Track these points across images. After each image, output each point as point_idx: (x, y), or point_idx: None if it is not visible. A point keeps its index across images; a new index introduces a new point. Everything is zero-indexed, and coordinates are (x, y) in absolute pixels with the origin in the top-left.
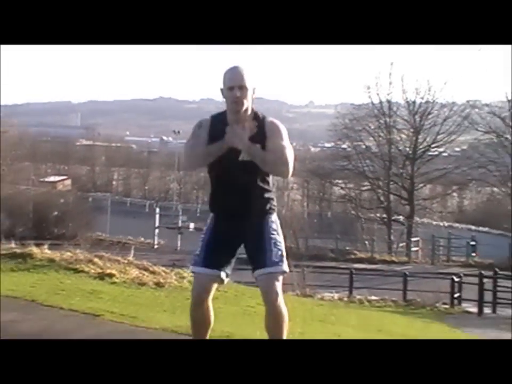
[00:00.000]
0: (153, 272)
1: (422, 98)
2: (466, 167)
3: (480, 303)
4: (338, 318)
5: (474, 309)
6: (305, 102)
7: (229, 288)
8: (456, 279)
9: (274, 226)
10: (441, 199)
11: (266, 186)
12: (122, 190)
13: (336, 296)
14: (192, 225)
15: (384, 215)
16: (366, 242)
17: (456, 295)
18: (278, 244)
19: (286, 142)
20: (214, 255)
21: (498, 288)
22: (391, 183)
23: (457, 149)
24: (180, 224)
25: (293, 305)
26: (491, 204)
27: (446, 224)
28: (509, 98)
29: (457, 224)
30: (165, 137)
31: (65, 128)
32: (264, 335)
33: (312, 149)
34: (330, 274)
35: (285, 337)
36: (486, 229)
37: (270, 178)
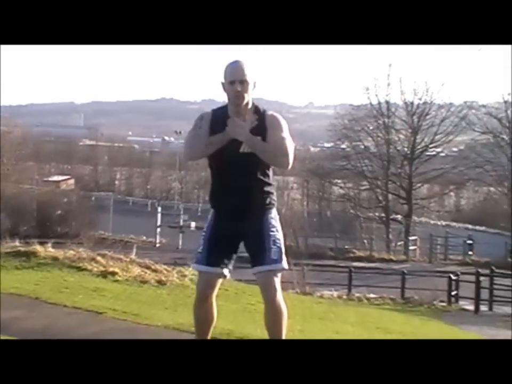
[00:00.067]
0: (155, 270)
1: (420, 99)
2: (464, 167)
3: (477, 301)
4: (338, 316)
5: (471, 307)
6: (305, 102)
7: (229, 286)
8: (453, 277)
9: (274, 223)
10: (439, 198)
11: (266, 180)
12: (124, 189)
13: (335, 294)
14: (193, 224)
15: (383, 214)
16: (365, 241)
17: (453, 293)
18: (278, 241)
19: (286, 133)
20: (216, 253)
21: (495, 286)
22: (390, 182)
23: (455, 149)
24: (181, 223)
25: (293, 303)
26: (488, 203)
27: (444, 223)
28: (506, 99)
29: (454, 223)
30: (166, 138)
31: (68, 128)
32: (264, 332)
33: (312, 149)
34: (330, 273)
35: (284, 333)
36: (482, 228)
37: (271, 173)
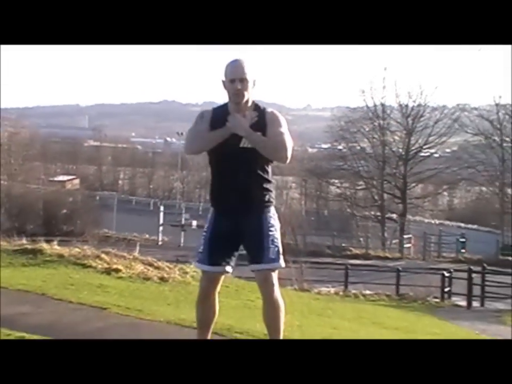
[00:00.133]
0: (157, 268)
1: (414, 101)
2: (456, 167)
3: (469, 297)
4: (335, 311)
5: (463, 303)
6: (303, 105)
7: (230, 283)
8: (446, 274)
9: (272, 221)
10: (433, 197)
11: (266, 176)
12: (128, 188)
13: (332, 290)
14: (194, 222)
15: (378, 213)
16: (361, 239)
17: (446, 290)
18: (276, 240)
19: (284, 129)
20: (217, 252)
21: (486, 283)
22: (385, 182)
23: (448, 150)
24: (183, 222)
25: (291, 299)
26: (480, 202)
27: (437, 221)
28: (497, 102)
29: (447, 222)
30: (169, 139)
31: (73, 129)
32: (263, 327)
33: (310, 150)
34: (327, 270)
35: (282, 327)
36: (475, 226)
37: (270, 170)
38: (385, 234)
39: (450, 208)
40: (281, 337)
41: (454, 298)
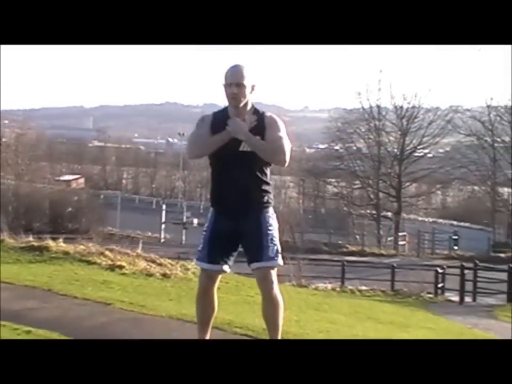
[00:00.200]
0: (160, 264)
1: (409, 103)
2: (449, 167)
3: (462, 292)
4: (331, 306)
5: (456, 298)
6: (301, 107)
7: (230, 279)
8: (439, 271)
9: (270, 221)
10: (426, 196)
11: (264, 178)
12: (131, 188)
13: (329, 286)
14: (195, 220)
15: (374, 212)
16: (357, 236)
17: (439, 285)
18: (274, 239)
19: (283, 133)
20: (216, 251)
21: (478, 279)
22: (380, 181)
23: (441, 151)
24: (184, 220)
25: (290, 294)
26: (472, 201)
27: (431, 219)
28: (488, 104)
29: (440, 220)
30: (171, 139)
31: (78, 130)
32: (262, 322)
33: (308, 150)
34: (324, 266)
35: (280, 323)
36: (467, 224)
37: (268, 172)
38: (381, 232)
39: (444, 207)
40: (279, 333)
41: (447, 294)
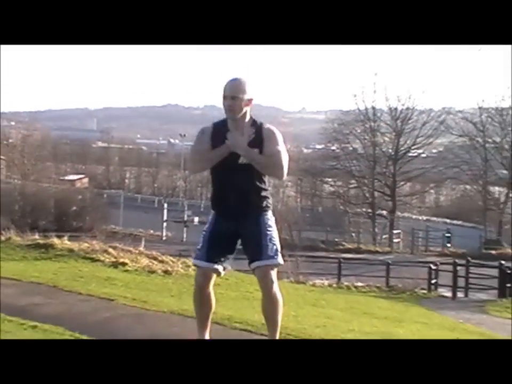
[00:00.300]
0: (161, 261)
1: (403, 105)
2: (442, 166)
3: (454, 288)
4: (328, 302)
5: (448, 294)
6: (299, 108)
7: (230, 276)
8: (433, 267)
9: (270, 223)
10: (420, 195)
11: (263, 186)
12: (134, 187)
13: (326, 282)
14: (196, 219)
15: (369, 210)
16: (353, 234)
17: (433, 281)
18: (273, 239)
19: (281, 146)
20: (214, 250)
21: (470, 275)
22: (376, 181)
23: (434, 151)
24: (185, 218)
25: (288, 290)
26: (464, 199)
27: (424, 218)
28: (480, 105)
29: (434, 218)
30: (172, 140)
31: (82, 131)
32: (261, 318)
33: (305, 150)
34: (321, 263)
35: (279, 320)
36: (459, 222)
37: (266, 178)
38: (376, 230)
39: (437, 205)
40: (278, 329)
41: (440, 290)
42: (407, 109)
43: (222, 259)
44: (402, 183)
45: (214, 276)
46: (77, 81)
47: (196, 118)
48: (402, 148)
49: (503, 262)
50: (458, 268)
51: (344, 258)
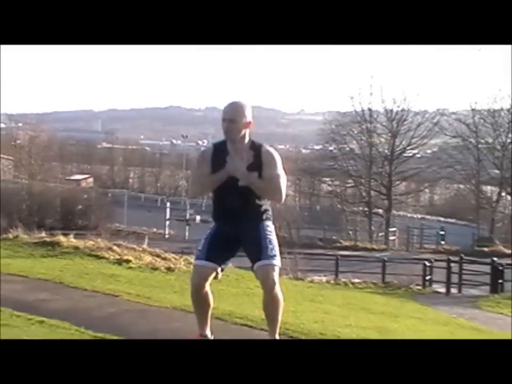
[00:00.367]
0: (164, 259)
1: (398, 107)
2: (437, 166)
3: (448, 284)
4: (326, 298)
5: (442, 289)
6: (297, 110)
7: (230, 273)
8: (427, 264)
9: (269, 229)
10: (415, 194)
11: (262, 202)
12: (137, 186)
13: (324, 279)
14: (198, 217)
15: (366, 209)
16: (350, 232)
17: (427, 278)
18: (273, 243)
19: (280, 170)
20: (214, 251)
21: (463, 272)
22: (372, 180)
23: (429, 151)
24: (187, 217)
25: (287, 287)
26: (457, 198)
27: (419, 216)
28: (473, 107)
29: (428, 216)
30: (174, 141)
31: (88, 133)
32: (261, 313)
33: (303, 151)
34: (319, 260)
35: (280, 317)
36: (453, 220)
37: None
38: (372, 228)
39: (431, 204)
40: (278, 326)
41: (434, 286)
42: (403, 110)
43: (221, 260)
44: (397, 182)
45: (211, 276)
46: (82, 84)
47: (197, 120)
48: (397, 149)
49: (495, 258)
50: (452, 264)
51: (342, 256)
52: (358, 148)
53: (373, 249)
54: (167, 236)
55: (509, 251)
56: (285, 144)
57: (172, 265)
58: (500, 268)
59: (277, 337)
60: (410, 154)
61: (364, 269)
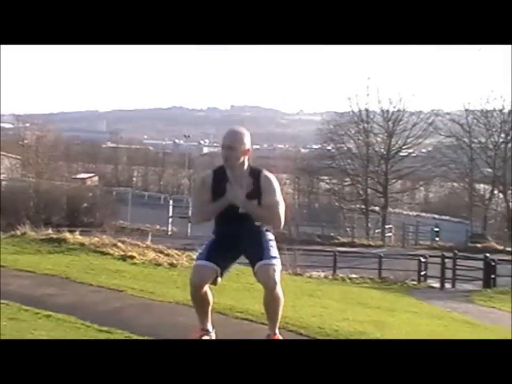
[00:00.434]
0: (167, 255)
1: (394, 107)
2: (431, 165)
3: (442, 279)
4: (324, 293)
5: (437, 284)
6: (296, 110)
7: (231, 268)
8: (422, 260)
9: (270, 237)
10: (410, 192)
11: (262, 225)
12: (141, 185)
13: (322, 274)
14: None
15: (363, 206)
16: (348, 229)
17: (422, 273)
18: (274, 246)
19: (278, 197)
20: (215, 253)
21: (457, 267)
22: (369, 179)
23: (424, 150)
24: (189, 214)
25: (286, 282)
26: (452, 196)
27: (414, 213)
28: (466, 108)
29: (423, 214)
30: (177, 140)
31: (93, 133)
32: (261, 308)
33: (302, 150)
34: (317, 256)
35: (280, 315)
36: (447, 217)
37: None
38: (369, 225)
39: (426, 202)
40: (278, 322)
41: (429, 281)
42: (398, 111)
43: (221, 262)
44: (393, 180)
45: (210, 277)
46: (88, 85)
47: (199, 120)
48: (393, 148)
49: (487, 254)
50: (446, 260)
51: (339, 252)
52: (355, 147)
53: (370, 246)
54: (170, 233)
55: (501, 247)
56: (284, 144)
57: (174, 261)
58: (492, 263)
59: (277, 331)
60: (406, 153)
61: (361, 264)
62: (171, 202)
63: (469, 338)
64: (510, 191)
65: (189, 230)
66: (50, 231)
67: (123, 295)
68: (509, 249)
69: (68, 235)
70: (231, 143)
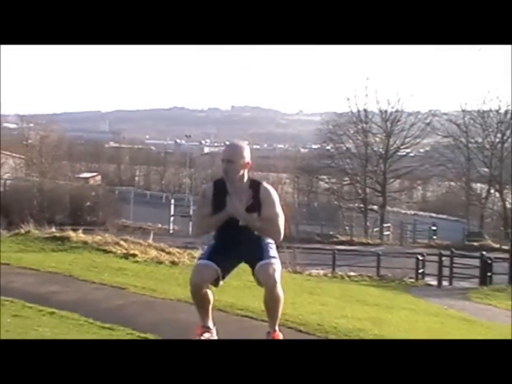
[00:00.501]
0: (169, 253)
1: (393, 108)
2: (429, 165)
3: (440, 277)
4: (323, 290)
5: (434, 282)
6: (296, 110)
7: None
8: (420, 258)
9: (270, 241)
10: (408, 191)
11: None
12: (143, 184)
13: (321, 272)
14: None
15: (361, 205)
16: (346, 227)
17: (420, 271)
18: (274, 249)
19: (278, 209)
20: (215, 254)
21: (454, 265)
22: (367, 178)
23: (421, 150)
24: (191, 213)
25: (286, 280)
26: (449, 195)
27: (412, 212)
28: (463, 108)
29: (421, 212)
30: (178, 140)
31: (96, 133)
32: (261, 305)
33: (302, 150)
34: (317, 254)
35: (280, 313)
36: (444, 216)
37: None
38: (367, 223)
39: (424, 201)
40: (278, 319)
41: (426, 279)
42: (396, 111)
43: (221, 263)
44: (392, 180)
45: (211, 277)
46: (91, 86)
47: (200, 120)
48: (392, 148)
49: (484, 252)
50: (443, 258)
51: (338, 250)
52: (354, 147)
53: (368, 244)
54: (171, 231)
55: (497, 245)
56: (284, 144)
57: (176, 259)
58: (489, 261)
59: (277, 328)
60: (404, 153)
61: (360, 262)
62: (173, 201)
63: (465, 334)
64: (506, 190)
65: (190, 229)
66: (53, 229)
67: (125, 293)
68: (505, 247)
69: (71, 233)
70: (231, 157)
